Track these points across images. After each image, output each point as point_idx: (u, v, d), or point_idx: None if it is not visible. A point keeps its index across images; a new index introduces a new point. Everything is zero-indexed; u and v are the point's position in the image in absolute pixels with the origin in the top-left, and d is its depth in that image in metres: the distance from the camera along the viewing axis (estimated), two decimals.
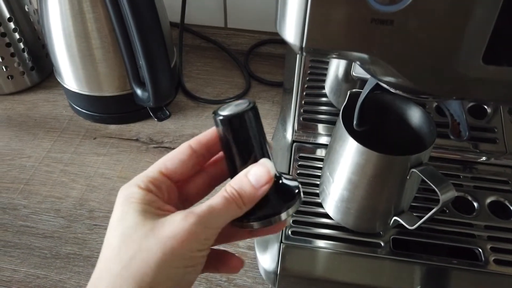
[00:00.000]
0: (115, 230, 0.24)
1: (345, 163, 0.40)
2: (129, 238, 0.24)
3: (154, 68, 0.52)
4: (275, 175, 0.27)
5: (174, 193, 0.27)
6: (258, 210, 0.26)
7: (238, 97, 0.68)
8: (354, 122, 0.39)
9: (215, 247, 0.29)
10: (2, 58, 0.64)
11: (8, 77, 0.66)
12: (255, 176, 0.26)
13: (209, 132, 0.28)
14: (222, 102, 0.67)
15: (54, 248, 0.48)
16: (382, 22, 0.25)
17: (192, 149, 0.27)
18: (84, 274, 0.45)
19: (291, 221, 0.45)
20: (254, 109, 0.26)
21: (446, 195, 0.35)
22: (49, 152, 0.59)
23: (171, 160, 0.27)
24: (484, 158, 0.52)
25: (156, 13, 0.49)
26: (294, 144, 0.54)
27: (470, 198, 0.48)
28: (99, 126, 0.63)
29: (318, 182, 0.49)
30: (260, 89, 0.70)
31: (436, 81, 0.27)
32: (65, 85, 0.61)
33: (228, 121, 0.26)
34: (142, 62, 0.51)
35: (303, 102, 0.54)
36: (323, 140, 0.54)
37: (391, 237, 0.44)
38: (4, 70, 0.65)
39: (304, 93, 0.53)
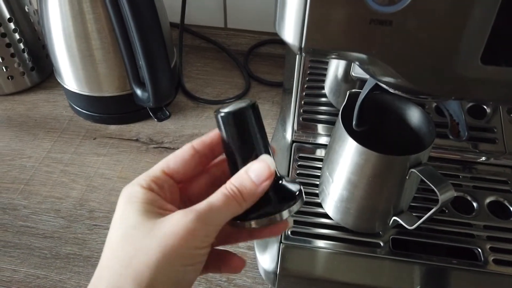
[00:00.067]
0: (117, 230, 0.25)
1: (344, 163, 0.40)
2: (130, 237, 0.24)
3: (154, 68, 0.52)
4: (276, 175, 0.27)
5: (176, 192, 0.27)
6: (258, 209, 0.26)
7: (238, 97, 0.68)
8: (354, 122, 0.39)
9: (217, 247, 0.29)
10: (2, 59, 0.64)
11: (8, 78, 0.66)
12: (255, 172, 0.26)
13: (213, 133, 0.28)
14: (222, 103, 0.67)
15: (54, 248, 0.48)
16: (381, 23, 0.25)
17: (194, 150, 0.28)
18: (84, 274, 0.46)
19: (292, 221, 0.45)
20: (254, 107, 0.27)
21: (445, 195, 0.35)
22: (49, 153, 0.59)
23: (173, 159, 0.27)
24: (483, 158, 0.53)
25: (156, 14, 0.49)
26: (294, 144, 0.54)
27: (469, 198, 0.48)
28: (99, 126, 0.63)
29: (318, 182, 0.49)
30: (260, 89, 0.70)
31: (435, 82, 0.27)
32: (65, 86, 0.61)
33: (228, 117, 0.26)
34: (142, 62, 0.51)
35: (302, 102, 0.54)
36: (322, 140, 0.54)
37: (391, 237, 0.44)
38: (4, 70, 0.65)
39: (304, 93, 0.53)
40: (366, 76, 0.35)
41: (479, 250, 0.43)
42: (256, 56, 0.77)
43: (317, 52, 0.29)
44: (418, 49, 0.26)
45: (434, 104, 0.54)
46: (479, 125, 0.53)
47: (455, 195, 0.47)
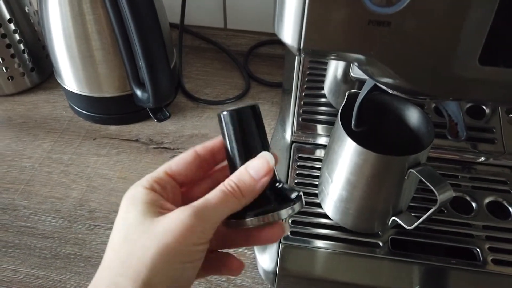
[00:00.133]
0: (118, 230, 0.25)
1: (343, 164, 0.40)
2: (129, 237, 0.24)
3: (154, 69, 0.52)
4: (276, 178, 0.27)
5: (178, 194, 0.28)
6: (256, 208, 0.26)
7: (237, 98, 0.68)
8: (352, 123, 0.39)
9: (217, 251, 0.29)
10: (3, 59, 0.64)
11: (8, 78, 0.66)
12: (254, 168, 0.26)
13: (215, 139, 0.29)
14: (221, 103, 0.67)
15: (54, 248, 0.48)
16: (379, 24, 0.25)
17: (196, 153, 0.28)
18: (84, 274, 0.46)
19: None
20: (254, 108, 0.27)
21: (444, 195, 0.35)
22: (50, 153, 0.59)
23: (176, 162, 0.28)
24: (482, 159, 0.53)
25: (155, 14, 0.50)
26: (293, 144, 0.55)
27: (468, 198, 0.49)
28: (99, 127, 0.63)
29: (317, 183, 0.49)
30: (260, 89, 0.70)
31: (433, 82, 0.28)
32: (65, 86, 0.61)
33: (229, 116, 0.27)
34: (141, 63, 0.51)
35: (302, 102, 0.54)
36: (322, 140, 0.55)
37: (390, 237, 0.44)
38: (5, 71, 0.65)
39: (303, 94, 0.53)
40: (365, 76, 0.35)
41: (478, 250, 0.43)
42: (255, 57, 0.77)
43: (315, 53, 0.29)
44: (416, 50, 0.26)
45: (433, 105, 0.54)
46: (478, 125, 0.53)
47: (454, 195, 0.47)
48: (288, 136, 0.55)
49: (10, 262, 0.47)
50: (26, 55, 0.66)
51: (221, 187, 0.25)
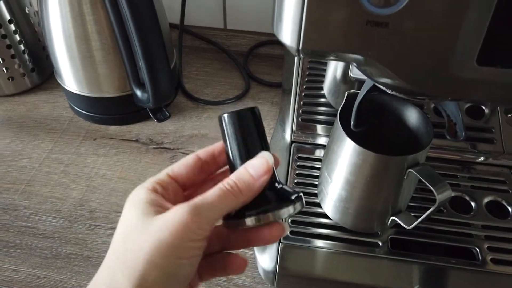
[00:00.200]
0: (119, 230, 0.25)
1: (342, 163, 0.40)
2: (127, 235, 0.24)
3: (154, 69, 0.52)
4: (276, 178, 0.27)
5: (180, 195, 0.28)
6: (256, 208, 0.26)
7: (237, 98, 0.68)
8: (352, 123, 0.40)
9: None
10: (3, 60, 0.64)
11: (8, 79, 0.67)
12: (253, 167, 0.26)
13: (217, 144, 0.29)
14: (221, 103, 0.67)
15: (55, 248, 0.48)
16: (377, 24, 0.25)
17: (198, 156, 0.29)
18: (84, 274, 0.46)
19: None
20: (254, 111, 0.28)
21: (443, 195, 0.35)
22: (50, 153, 0.59)
23: (178, 165, 0.29)
24: (481, 158, 0.53)
25: (155, 15, 0.50)
26: (293, 144, 0.55)
27: (467, 198, 0.49)
28: (99, 127, 0.64)
29: (317, 182, 0.49)
30: (260, 90, 0.70)
31: (431, 83, 0.28)
32: (65, 87, 0.61)
33: (229, 117, 0.27)
34: (141, 63, 0.51)
35: (301, 103, 0.54)
36: (321, 140, 0.55)
37: (389, 236, 0.44)
38: (5, 71, 0.65)
39: (303, 94, 0.54)
40: (364, 77, 0.35)
41: (477, 249, 0.43)
42: (255, 57, 0.77)
43: (314, 53, 0.29)
44: (414, 51, 0.26)
45: (432, 105, 0.54)
46: (477, 125, 0.53)
47: (453, 195, 0.47)
48: (287, 136, 0.55)
49: (10, 262, 0.47)
50: (26, 56, 0.67)
51: (219, 185, 0.26)
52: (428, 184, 0.35)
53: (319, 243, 0.44)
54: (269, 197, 0.27)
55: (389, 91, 0.33)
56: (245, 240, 0.28)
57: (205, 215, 0.24)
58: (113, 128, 0.63)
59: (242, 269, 0.29)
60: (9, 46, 0.64)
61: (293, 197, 0.27)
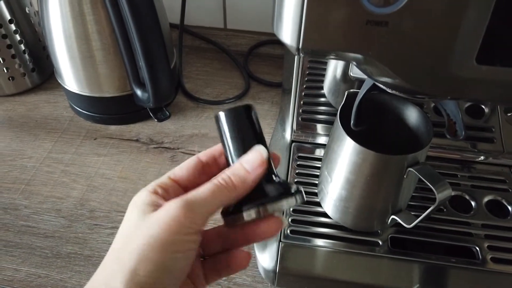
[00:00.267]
0: (120, 230, 0.26)
1: (342, 163, 0.40)
2: (125, 234, 0.25)
3: (154, 69, 0.52)
4: (273, 172, 0.27)
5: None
6: (252, 201, 0.26)
7: (237, 98, 0.68)
8: (352, 122, 0.40)
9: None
10: (3, 60, 0.64)
11: (9, 79, 0.67)
12: (247, 161, 0.26)
13: (217, 145, 0.30)
14: (221, 103, 0.67)
15: (55, 247, 0.48)
16: (377, 24, 0.25)
17: (199, 158, 0.29)
18: (85, 273, 0.46)
19: (288, 220, 0.46)
20: (247, 108, 0.28)
21: (443, 194, 0.35)
22: (50, 153, 0.60)
23: (179, 167, 0.29)
24: (481, 158, 0.53)
25: (155, 14, 0.50)
26: (293, 144, 0.55)
27: (467, 197, 0.49)
28: (99, 126, 0.64)
29: (317, 182, 0.49)
30: (260, 89, 0.70)
31: (431, 82, 0.28)
32: (65, 86, 0.62)
33: (223, 115, 0.28)
34: (142, 63, 0.51)
35: (301, 102, 0.54)
36: (321, 140, 0.55)
37: (389, 235, 0.44)
38: (5, 71, 0.66)
39: (303, 94, 0.54)
40: (364, 76, 0.35)
41: (477, 248, 0.43)
42: (255, 57, 0.77)
43: (314, 52, 0.30)
44: (414, 50, 0.26)
45: (432, 104, 0.54)
46: (477, 124, 0.53)
47: (453, 194, 0.47)
48: (288, 135, 0.55)
49: (11, 261, 0.47)
50: (26, 56, 0.67)
51: (213, 180, 0.26)
52: (428, 183, 0.35)
53: (319, 242, 0.44)
54: (266, 190, 0.27)
55: (389, 90, 0.33)
56: (244, 237, 0.28)
57: (198, 209, 0.24)
58: (113, 127, 0.63)
59: (245, 263, 0.29)
60: (9, 46, 0.64)
61: (292, 191, 0.27)
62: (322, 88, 0.55)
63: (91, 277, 0.25)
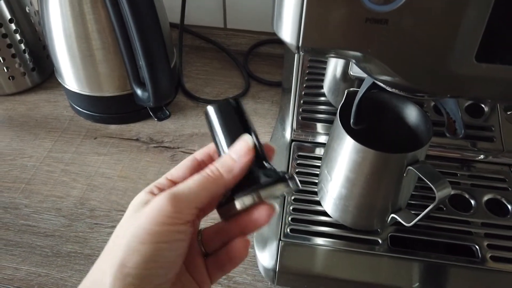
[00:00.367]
0: (115, 230, 0.26)
1: (342, 161, 0.40)
2: (117, 231, 0.26)
3: (154, 68, 0.52)
4: (263, 161, 0.28)
5: None
6: (243, 190, 0.26)
7: (237, 97, 0.68)
8: (351, 121, 0.40)
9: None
10: (3, 59, 0.65)
11: (9, 78, 0.67)
12: (234, 150, 0.27)
13: (212, 143, 0.30)
14: None
15: (55, 246, 0.48)
16: (376, 22, 0.26)
17: (195, 157, 0.30)
18: (85, 272, 0.46)
19: (290, 218, 0.46)
20: (235, 100, 0.29)
21: (442, 192, 0.35)
22: (50, 152, 0.60)
23: (176, 167, 0.29)
24: (481, 157, 0.53)
25: (155, 14, 0.50)
26: (293, 143, 0.55)
27: (467, 196, 0.49)
28: (99, 126, 0.64)
29: (317, 181, 0.49)
30: (259, 89, 0.70)
31: (430, 79, 0.28)
32: (66, 86, 0.62)
33: (211, 109, 0.28)
34: (142, 62, 0.51)
35: (301, 101, 0.54)
36: (321, 139, 0.55)
37: (389, 234, 0.44)
38: (6, 70, 0.66)
39: (303, 93, 0.54)
40: (364, 75, 0.35)
41: (477, 247, 0.43)
42: (255, 56, 0.77)
43: (314, 51, 0.30)
44: (414, 48, 0.26)
45: (432, 103, 0.54)
46: (477, 123, 0.53)
47: (453, 193, 0.47)
48: (288, 134, 0.56)
49: (11, 260, 0.47)
50: (27, 55, 0.67)
51: (201, 172, 0.26)
52: (428, 181, 0.35)
53: (319, 240, 0.44)
54: (258, 178, 0.27)
55: (388, 89, 0.33)
56: (239, 229, 0.28)
57: (185, 200, 0.25)
58: (113, 127, 0.63)
59: (244, 251, 0.28)
60: (9, 46, 0.64)
61: (286, 177, 0.27)
62: (322, 87, 0.55)
63: None
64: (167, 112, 0.61)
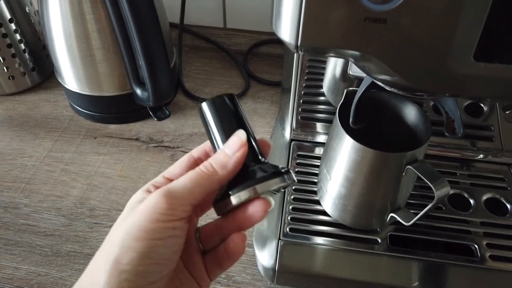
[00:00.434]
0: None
1: (341, 161, 0.41)
2: (113, 229, 0.26)
3: (154, 68, 0.52)
4: (258, 157, 0.28)
5: None
6: (239, 185, 0.26)
7: (237, 97, 0.68)
8: (351, 120, 0.40)
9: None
10: (4, 59, 0.65)
11: (9, 78, 0.67)
12: (227, 145, 0.27)
13: (208, 141, 0.30)
14: None
15: (55, 246, 0.48)
16: (375, 21, 0.26)
17: (191, 155, 0.30)
18: None
19: (289, 218, 0.46)
20: (229, 96, 0.29)
21: (441, 191, 0.35)
22: (50, 152, 0.60)
23: (173, 166, 0.30)
24: (480, 156, 0.53)
25: (155, 14, 0.50)
26: (293, 142, 0.55)
27: (466, 195, 0.49)
28: (99, 125, 0.64)
29: (316, 180, 0.49)
30: (259, 88, 0.70)
31: (429, 79, 0.28)
32: (65, 85, 0.62)
33: (205, 105, 0.28)
34: (141, 62, 0.51)
35: (301, 101, 0.54)
36: (321, 138, 0.55)
37: (388, 233, 0.45)
38: (6, 70, 0.66)
39: (302, 92, 0.54)
40: (364, 74, 0.35)
41: (476, 246, 0.44)
42: (255, 56, 0.77)
43: (313, 50, 0.30)
44: (412, 47, 0.26)
45: (432, 103, 0.54)
46: (476, 123, 0.53)
47: (452, 192, 0.47)
48: (287, 134, 0.56)
49: (11, 260, 0.47)
50: (26, 55, 0.67)
51: (195, 169, 0.26)
52: (427, 181, 0.36)
53: (319, 240, 0.44)
54: (253, 173, 0.26)
55: (387, 88, 0.33)
56: (236, 225, 0.28)
57: (179, 196, 0.25)
58: (113, 126, 0.64)
59: (241, 246, 0.28)
60: (9, 45, 0.64)
61: (282, 171, 0.27)
62: (321, 87, 0.55)
63: None
64: (167, 112, 0.61)
